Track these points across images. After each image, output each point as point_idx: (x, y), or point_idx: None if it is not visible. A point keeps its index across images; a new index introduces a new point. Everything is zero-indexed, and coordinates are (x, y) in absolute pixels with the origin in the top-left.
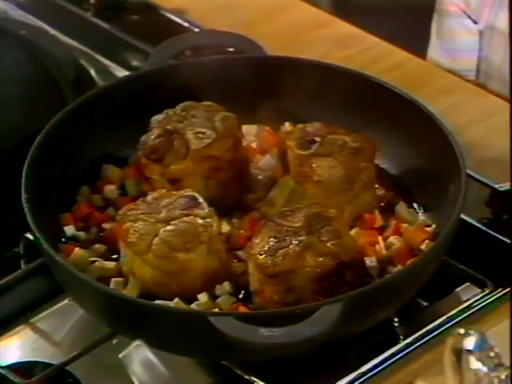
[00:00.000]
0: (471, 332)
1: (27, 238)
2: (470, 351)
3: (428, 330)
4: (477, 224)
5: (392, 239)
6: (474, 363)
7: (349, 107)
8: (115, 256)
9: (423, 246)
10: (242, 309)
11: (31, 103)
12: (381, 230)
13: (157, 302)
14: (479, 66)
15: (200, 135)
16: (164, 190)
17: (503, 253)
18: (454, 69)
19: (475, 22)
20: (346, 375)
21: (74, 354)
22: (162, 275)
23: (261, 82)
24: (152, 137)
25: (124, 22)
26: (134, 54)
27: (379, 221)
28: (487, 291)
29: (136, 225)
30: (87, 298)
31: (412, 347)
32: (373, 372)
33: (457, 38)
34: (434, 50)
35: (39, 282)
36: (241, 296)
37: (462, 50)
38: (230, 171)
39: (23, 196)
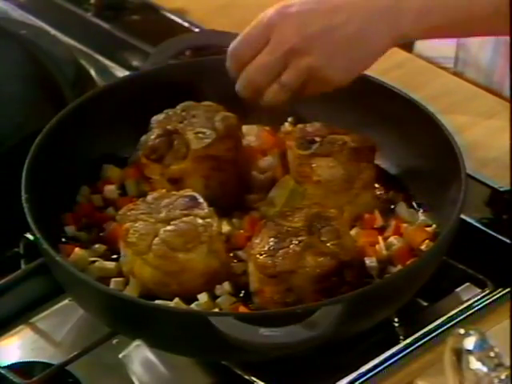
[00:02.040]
0: (471, 332)
1: (27, 238)
2: (470, 351)
3: (428, 330)
4: (477, 224)
5: (392, 239)
6: (474, 363)
7: (349, 107)
8: (115, 256)
9: (423, 246)
10: (242, 309)
11: (31, 103)
12: (381, 230)
13: (157, 301)
14: (458, 53)
15: (200, 135)
16: (164, 190)
17: (503, 253)
18: (434, 56)
19: None
20: (346, 375)
21: (74, 353)
22: (162, 275)
23: None
24: (152, 137)
25: (124, 22)
26: (134, 53)
27: (379, 221)
28: (487, 291)
29: (136, 225)
30: (87, 298)
31: (412, 347)
32: (373, 372)
33: None
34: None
35: (39, 282)
36: (241, 296)
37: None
38: (230, 171)
39: (23, 196)
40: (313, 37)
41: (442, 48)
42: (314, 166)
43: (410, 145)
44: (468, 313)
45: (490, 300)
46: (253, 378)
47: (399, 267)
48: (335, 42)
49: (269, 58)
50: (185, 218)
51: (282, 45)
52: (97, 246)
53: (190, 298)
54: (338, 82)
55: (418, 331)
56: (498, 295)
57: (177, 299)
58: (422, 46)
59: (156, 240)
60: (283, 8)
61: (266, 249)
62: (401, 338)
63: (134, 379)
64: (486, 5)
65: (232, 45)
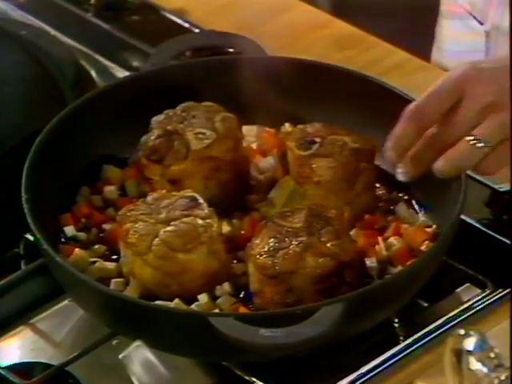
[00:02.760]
0: (471, 333)
1: (27, 239)
2: (470, 352)
3: (428, 331)
4: (477, 224)
5: (392, 240)
6: (474, 364)
7: (349, 108)
8: (115, 257)
9: (423, 247)
10: (242, 309)
11: (31, 104)
12: (381, 231)
13: (157, 302)
14: None
15: (200, 136)
16: (164, 191)
17: (503, 253)
18: None
19: (481, 23)
20: (347, 376)
21: (74, 354)
22: (162, 276)
23: (261, 82)
24: (152, 137)
25: (124, 22)
26: (134, 54)
27: (379, 221)
28: (487, 292)
29: (136, 225)
30: (87, 299)
31: (412, 348)
32: (373, 373)
33: (462, 39)
34: (438, 52)
35: (39, 283)
36: (241, 297)
37: (468, 52)
38: (230, 172)
39: (23, 196)
40: None
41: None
42: (314, 166)
43: None
44: (468, 313)
45: (490, 301)
46: (253, 379)
47: (399, 268)
48: None
49: (467, 113)
50: (185, 219)
51: (481, 98)
52: (97, 246)
53: (190, 299)
54: None
55: (418, 332)
56: (498, 296)
57: (177, 300)
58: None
59: (156, 241)
60: (475, 64)
61: (265, 249)
62: (401, 338)
63: (134, 380)
64: None
65: (416, 102)
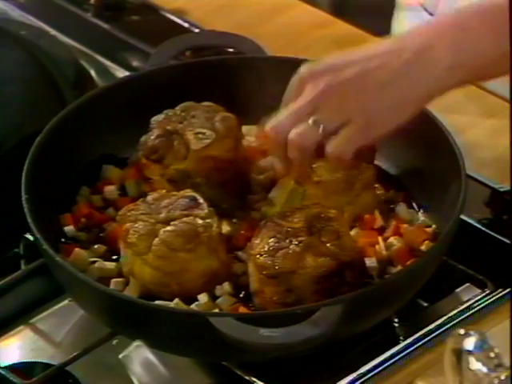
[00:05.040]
0: (471, 332)
1: (27, 239)
2: (470, 352)
3: (428, 331)
4: (477, 224)
5: (392, 240)
6: (474, 364)
7: None
8: (115, 256)
9: (423, 247)
10: (242, 309)
11: (31, 103)
12: (381, 231)
13: (157, 302)
14: None
15: (200, 136)
16: (164, 191)
17: (503, 253)
18: None
19: (431, 14)
20: (346, 376)
21: (74, 354)
22: (162, 275)
23: (261, 82)
24: (152, 137)
25: (124, 22)
26: (134, 54)
27: (379, 221)
28: (487, 292)
29: (136, 225)
30: (87, 299)
31: (412, 348)
32: (373, 372)
33: None
34: None
35: (39, 283)
36: (241, 296)
37: None
38: (229, 172)
39: (23, 196)
40: (346, 81)
41: None
42: (314, 166)
43: (410, 145)
44: (468, 313)
45: (490, 300)
46: (253, 379)
47: (399, 268)
48: (368, 86)
49: (298, 104)
50: (185, 219)
51: (314, 89)
52: (97, 246)
53: (190, 299)
54: (375, 129)
55: (417, 332)
56: (497, 296)
57: (177, 300)
58: None
59: (156, 240)
60: (314, 64)
61: (265, 249)
62: (401, 338)
63: (134, 380)
64: None
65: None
